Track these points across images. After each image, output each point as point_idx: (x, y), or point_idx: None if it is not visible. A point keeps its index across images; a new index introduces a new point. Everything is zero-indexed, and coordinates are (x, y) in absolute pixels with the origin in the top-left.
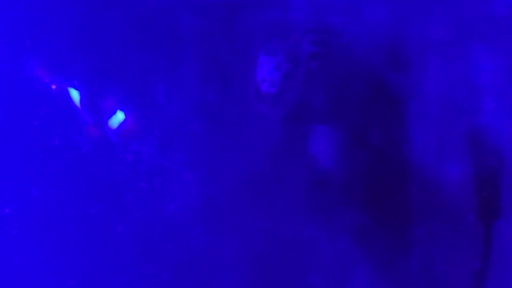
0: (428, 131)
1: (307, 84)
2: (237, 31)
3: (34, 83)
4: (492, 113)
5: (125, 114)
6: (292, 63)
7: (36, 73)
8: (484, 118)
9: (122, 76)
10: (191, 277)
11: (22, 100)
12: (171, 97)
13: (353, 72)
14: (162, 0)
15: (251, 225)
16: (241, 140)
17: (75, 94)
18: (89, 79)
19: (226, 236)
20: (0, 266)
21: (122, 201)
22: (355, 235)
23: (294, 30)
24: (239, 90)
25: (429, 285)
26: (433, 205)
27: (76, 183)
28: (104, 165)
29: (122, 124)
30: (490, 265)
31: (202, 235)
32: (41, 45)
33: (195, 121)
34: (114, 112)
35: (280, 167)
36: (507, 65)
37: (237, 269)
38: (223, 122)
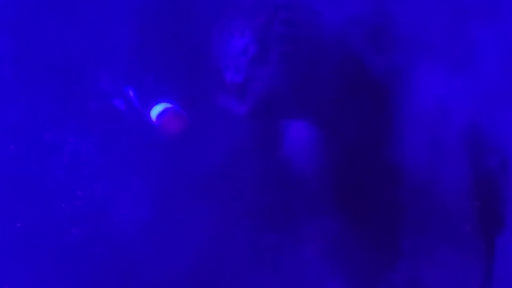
0: (418, 127)
1: (279, 71)
2: (198, 7)
3: None
4: (493, 110)
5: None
6: (261, 46)
7: None
8: (484, 114)
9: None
10: None
11: None
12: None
13: (332, 58)
14: None
15: (209, 236)
16: (201, 138)
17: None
18: None
19: (180, 250)
20: None
21: (56, 213)
22: (327, 244)
23: (264, 6)
24: (198, 79)
25: None
26: (422, 214)
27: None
28: (34, 169)
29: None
30: (492, 285)
31: (153, 253)
32: None
33: (145, 116)
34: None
35: (245, 169)
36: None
37: (193, 282)
38: None
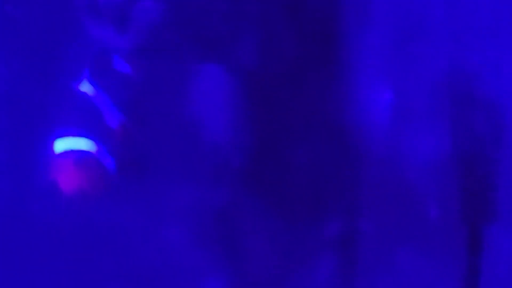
0: (373, 66)
1: None
2: None
3: None
4: (488, 40)
5: None
6: None
7: None
8: (470, 47)
9: None
10: None
11: None
12: None
13: None
14: None
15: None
16: (60, 87)
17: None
18: None
19: None
20: None
21: None
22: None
23: None
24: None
25: None
26: (372, 193)
27: None
28: None
29: None
30: None
31: None
32: None
33: None
34: None
35: (127, 134)
36: None
37: None
38: (37, 58)
